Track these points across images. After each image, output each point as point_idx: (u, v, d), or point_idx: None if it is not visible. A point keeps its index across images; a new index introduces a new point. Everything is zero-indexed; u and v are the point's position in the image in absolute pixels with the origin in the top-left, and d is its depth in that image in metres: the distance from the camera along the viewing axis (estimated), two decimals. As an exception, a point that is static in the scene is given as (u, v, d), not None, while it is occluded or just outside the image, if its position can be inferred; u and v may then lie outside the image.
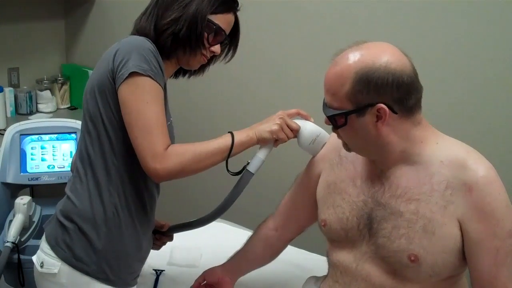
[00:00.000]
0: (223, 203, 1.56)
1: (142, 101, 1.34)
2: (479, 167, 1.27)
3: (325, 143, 1.54)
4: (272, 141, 1.49)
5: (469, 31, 2.08)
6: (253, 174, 1.52)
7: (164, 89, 1.43)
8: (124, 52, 1.36)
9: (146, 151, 1.34)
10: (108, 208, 1.43)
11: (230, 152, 1.42)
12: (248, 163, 1.53)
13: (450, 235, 1.28)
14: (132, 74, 1.33)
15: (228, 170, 1.49)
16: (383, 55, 1.25)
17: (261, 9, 2.60)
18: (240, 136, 1.45)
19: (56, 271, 1.45)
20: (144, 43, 1.40)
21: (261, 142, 1.48)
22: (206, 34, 1.46)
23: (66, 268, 1.44)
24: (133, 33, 1.49)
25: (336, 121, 1.29)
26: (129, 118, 1.35)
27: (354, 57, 1.26)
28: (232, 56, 1.59)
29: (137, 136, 1.34)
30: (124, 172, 1.44)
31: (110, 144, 1.42)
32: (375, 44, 1.29)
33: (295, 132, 1.50)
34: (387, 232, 1.33)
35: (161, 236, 1.70)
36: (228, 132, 1.46)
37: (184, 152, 1.37)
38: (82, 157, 1.46)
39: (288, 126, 1.48)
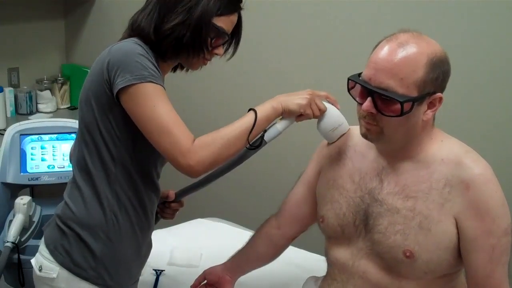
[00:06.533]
0: (230, 163, 1.49)
1: (149, 107, 1.31)
2: (476, 166, 1.28)
3: (344, 134, 1.47)
4: (296, 115, 1.42)
5: (468, 32, 2.08)
6: (267, 143, 1.45)
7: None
8: (118, 62, 1.32)
9: (173, 152, 1.30)
10: (107, 215, 1.41)
11: (252, 128, 1.35)
12: (265, 131, 1.43)
13: (446, 232, 1.29)
14: (132, 85, 1.30)
15: (249, 145, 1.40)
16: (438, 45, 1.27)
17: (261, 9, 2.60)
18: (264, 109, 1.38)
19: (54, 275, 1.43)
20: (134, 48, 1.35)
21: (286, 114, 1.41)
22: (209, 39, 1.40)
23: (65, 273, 1.42)
24: (128, 33, 1.44)
25: (403, 107, 1.22)
26: (143, 126, 1.33)
27: (423, 43, 1.25)
28: (234, 53, 1.51)
29: (158, 140, 1.31)
30: (124, 180, 1.42)
31: (109, 153, 1.40)
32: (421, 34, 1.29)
33: (322, 112, 1.42)
34: (383, 228, 1.34)
35: (170, 204, 1.65)
36: (251, 109, 1.39)
37: (212, 141, 1.33)
38: (80, 166, 1.43)
39: (316, 104, 1.41)
